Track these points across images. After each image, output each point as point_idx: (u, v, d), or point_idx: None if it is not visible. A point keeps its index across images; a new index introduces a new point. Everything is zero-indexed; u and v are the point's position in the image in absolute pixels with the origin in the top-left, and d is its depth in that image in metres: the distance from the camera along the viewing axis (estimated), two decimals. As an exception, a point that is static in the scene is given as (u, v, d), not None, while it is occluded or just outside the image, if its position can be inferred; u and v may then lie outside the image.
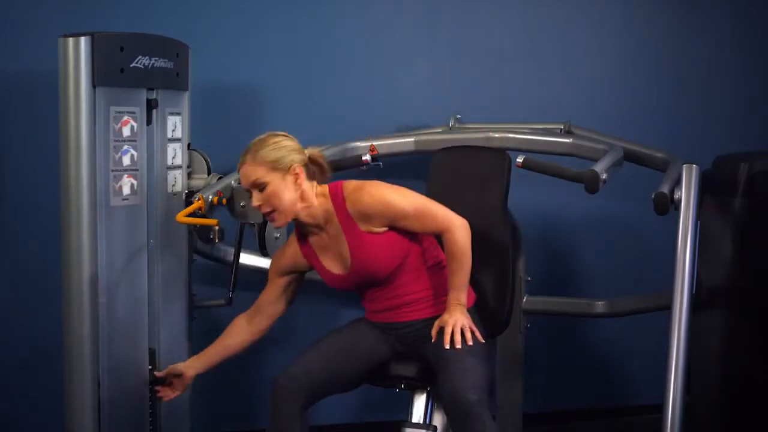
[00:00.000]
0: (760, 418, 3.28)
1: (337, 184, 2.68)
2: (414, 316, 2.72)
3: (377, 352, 2.74)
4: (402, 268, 2.68)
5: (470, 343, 2.52)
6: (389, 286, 2.71)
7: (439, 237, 2.69)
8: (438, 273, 2.73)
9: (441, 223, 2.63)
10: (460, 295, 2.62)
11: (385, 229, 2.64)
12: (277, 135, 2.65)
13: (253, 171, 2.59)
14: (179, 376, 2.84)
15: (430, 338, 2.62)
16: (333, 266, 2.72)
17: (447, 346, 2.51)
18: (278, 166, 2.59)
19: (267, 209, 2.61)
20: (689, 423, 2.83)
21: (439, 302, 2.69)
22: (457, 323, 2.54)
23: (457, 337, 2.52)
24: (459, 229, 2.63)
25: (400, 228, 2.64)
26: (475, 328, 2.57)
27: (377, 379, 2.76)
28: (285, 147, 2.62)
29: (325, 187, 2.69)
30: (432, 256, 2.74)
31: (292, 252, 2.78)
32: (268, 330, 2.84)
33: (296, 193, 2.61)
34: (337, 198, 2.65)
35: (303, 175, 2.62)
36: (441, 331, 2.57)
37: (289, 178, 2.60)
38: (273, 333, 3.75)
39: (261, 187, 2.60)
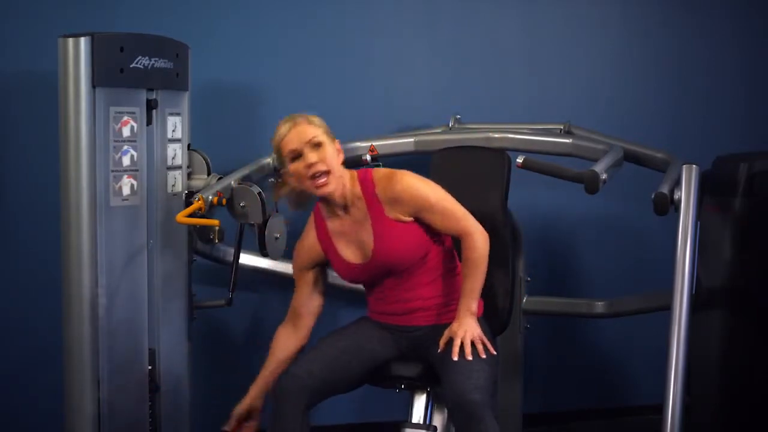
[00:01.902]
0: (760, 418, 3.28)
1: (365, 170, 2.69)
2: (422, 322, 2.72)
3: (380, 352, 2.73)
4: (421, 264, 2.67)
5: (483, 356, 2.49)
6: (403, 285, 2.69)
7: (457, 243, 2.69)
8: (452, 281, 2.72)
9: (463, 226, 2.64)
10: (472, 302, 2.60)
11: (410, 219, 2.64)
12: (308, 114, 2.68)
13: (311, 130, 2.60)
14: (247, 418, 2.78)
15: (435, 342, 2.62)
16: (350, 254, 2.70)
17: (455, 358, 2.48)
18: (329, 134, 2.63)
19: (323, 167, 2.58)
20: (689, 423, 2.83)
21: (449, 310, 2.69)
22: (467, 335, 2.51)
23: (468, 349, 2.48)
24: (480, 235, 2.63)
25: (424, 221, 2.64)
26: (486, 340, 2.54)
27: (378, 380, 2.75)
28: (323, 121, 2.65)
29: (354, 172, 2.69)
30: (449, 262, 2.74)
31: (309, 243, 2.77)
32: (313, 327, 2.82)
33: (341, 164, 2.64)
34: (367, 182, 2.65)
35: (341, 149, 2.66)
36: (449, 340, 2.56)
37: (335, 149, 2.63)
38: (272, 333, 3.77)
39: (318, 145, 2.59)
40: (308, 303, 2.81)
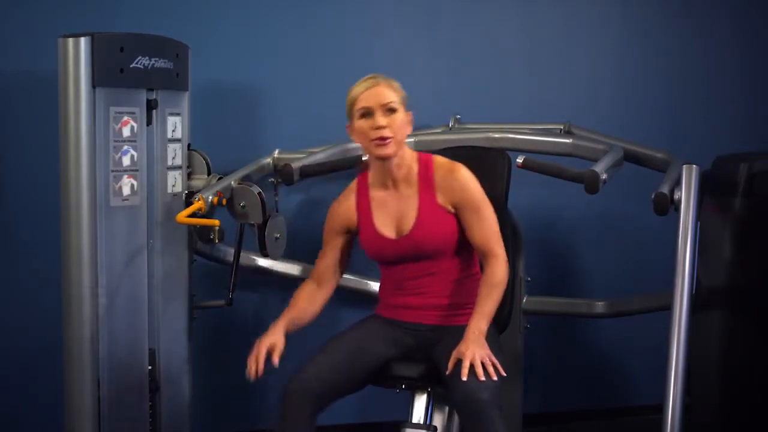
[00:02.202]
0: (760, 418, 3.28)
1: (427, 154, 2.73)
2: (432, 320, 2.72)
3: (385, 353, 2.71)
4: (447, 259, 2.69)
5: (494, 378, 2.45)
6: (424, 277, 2.69)
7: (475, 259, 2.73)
8: (470, 286, 2.71)
9: (493, 246, 2.65)
10: (483, 324, 2.57)
11: (453, 211, 2.66)
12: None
13: (389, 93, 2.61)
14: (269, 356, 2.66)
15: (441, 342, 2.62)
16: (384, 227, 2.70)
17: (465, 378, 2.43)
18: (404, 103, 2.64)
19: (389, 134, 2.60)
20: (689, 423, 2.83)
21: (461, 314, 2.69)
22: (476, 356, 2.46)
23: (479, 370, 2.44)
24: (504, 264, 2.65)
25: (462, 219, 2.66)
26: (495, 360, 2.49)
27: (378, 380, 2.75)
28: (403, 91, 2.67)
29: (415, 152, 2.72)
30: (472, 268, 2.75)
31: (346, 207, 2.76)
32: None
33: (407, 135, 2.66)
34: (426, 165, 2.69)
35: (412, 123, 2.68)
36: (457, 362, 2.52)
37: (406, 119, 2.64)
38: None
39: (391, 110, 2.61)
40: (334, 267, 2.79)
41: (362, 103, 2.61)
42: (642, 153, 3.38)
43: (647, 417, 3.80)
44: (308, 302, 2.77)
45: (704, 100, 4.07)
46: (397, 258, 2.71)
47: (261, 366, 2.59)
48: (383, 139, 2.59)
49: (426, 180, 2.67)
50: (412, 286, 2.73)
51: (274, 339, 2.66)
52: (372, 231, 2.71)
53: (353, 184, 2.78)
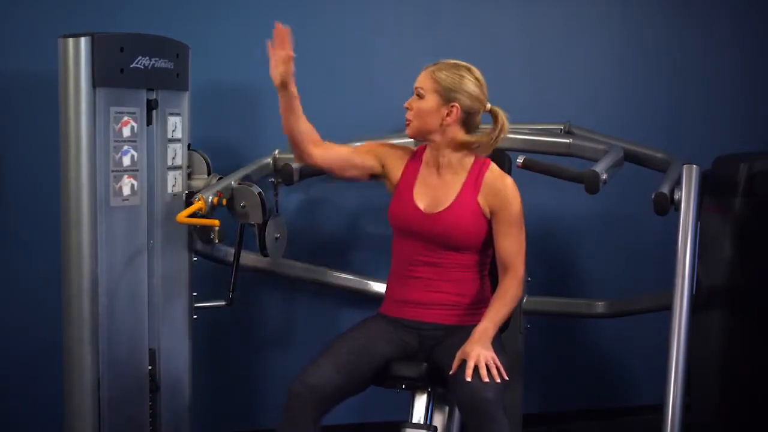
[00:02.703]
0: (760, 418, 3.28)
1: (485, 158, 2.77)
2: (438, 319, 2.72)
3: (388, 353, 2.71)
4: (467, 254, 2.70)
5: (497, 380, 2.47)
6: (439, 263, 2.70)
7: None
8: (478, 288, 2.73)
9: (515, 259, 2.68)
10: (491, 329, 2.58)
11: (488, 216, 2.70)
12: (471, 71, 2.74)
13: (424, 80, 2.71)
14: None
15: (444, 342, 2.63)
16: (420, 200, 2.73)
17: (469, 379, 2.45)
18: (442, 93, 2.68)
19: (409, 116, 2.71)
20: (689, 423, 2.83)
21: (466, 315, 2.70)
22: (480, 358, 2.48)
23: (483, 372, 2.46)
24: (520, 280, 2.69)
25: (495, 224, 2.70)
26: (499, 363, 2.51)
27: (379, 380, 2.75)
28: (464, 85, 2.69)
29: (473, 154, 2.75)
30: (485, 273, 2.77)
31: (396, 159, 2.81)
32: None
33: (438, 124, 2.69)
34: (482, 164, 2.74)
35: (456, 117, 2.68)
36: (462, 362, 2.53)
37: (444, 110, 2.68)
38: (272, 333, 3.77)
39: (420, 96, 2.70)
40: (337, 151, 2.80)
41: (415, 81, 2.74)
42: (642, 153, 3.38)
43: (647, 417, 3.80)
44: (307, 126, 2.75)
45: (704, 100, 4.07)
46: (418, 231, 2.72)
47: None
48: (407, 120, 2.72)
49: (476, 176, 2.72)
50: (419, 274, 2.72)
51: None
52: (407, 197, 2.75)
53: (412, 148, 2.86)
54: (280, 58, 2.62)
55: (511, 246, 2.69)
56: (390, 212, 2.78)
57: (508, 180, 2.73)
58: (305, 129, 2.73)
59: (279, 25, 2.66)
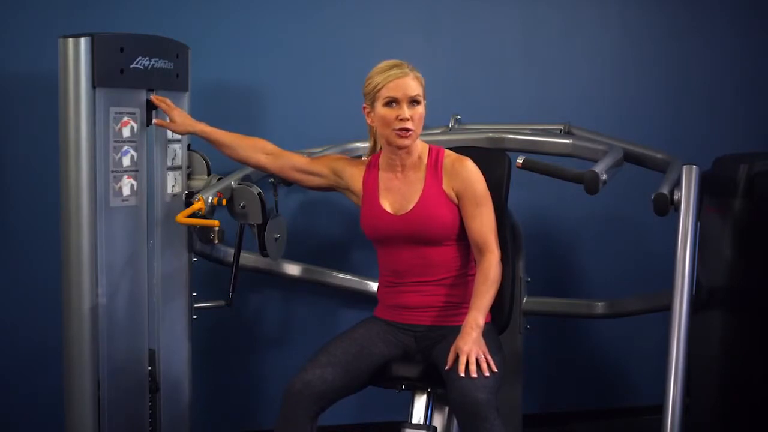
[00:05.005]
0: (760, 419, 3.28)
1: (438, 146, 2.81)
2: (429, 321, 2.73)
3: (386, 354, 2.72)
4: (450, 247, 2.71)
5: (486, 374, 2.48)
6: (425, 263, 2.71)
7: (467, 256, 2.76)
8: (469, 286, 2.74)
9: (488, 240, 2.69)
10: (480, 317, 2.59)
11: (456, 201, 2.71)
12: None
13: (416, 86, 2.68)
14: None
15: (440, 342, 2.64)
16: (388, 204, 2.75)
17: (462, 374, 2.46)
18: (424, 94, 2.71)
19: (411, 126, 2.67)
20: (689, 424, 2.83)
21: (460, 314, 2.69)
22: (472, 353, 2.49)
23: (472, 368, 2.47)
24: (498, 260, 2.69)
25: (462, 207, 2.71)
26: (489, 357, 2.52)
27: (379, 380, 2.75)
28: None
29: (425, 143, 2.80)
30: (468, 267, 2.77)
31: (354, 169, 2.84)
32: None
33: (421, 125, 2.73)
34: (438, 153, 2.75)
35: None
36: (456, 357, 2.54)
37: (424, 110, 2.71)
38: (272, 333, 3.77)
39: (417, 102, 2.67)
40: (291, 161, 2.91)
41: (390, 92, 2.65)
42: (642, 153, 3.38)
43: (647, 418, 3.81)
44: (250, 147, 2.93)
45: (704, 100, 4.07)
46: (395, 234, 2.73)
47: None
48: (406, 130, 2.66)
49: (435, 166, 2.73)
50: (408, 279, 2.73)
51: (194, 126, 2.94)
52: (374, 205, 2.76)
53: (366, 158, 2.87)
54: (172, 126, 2.92)
55: (482, 225, 2.69)
56: (362, 224, 2.80)
57: (467, 161, 2.73)
58: (245, 152, 2.91)
59: (155, 98, 2.90)
